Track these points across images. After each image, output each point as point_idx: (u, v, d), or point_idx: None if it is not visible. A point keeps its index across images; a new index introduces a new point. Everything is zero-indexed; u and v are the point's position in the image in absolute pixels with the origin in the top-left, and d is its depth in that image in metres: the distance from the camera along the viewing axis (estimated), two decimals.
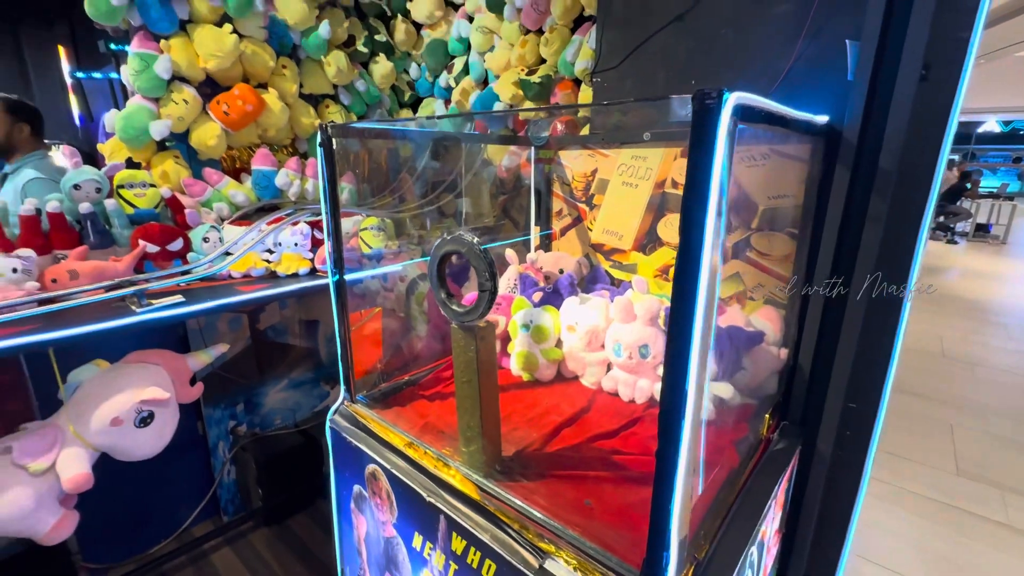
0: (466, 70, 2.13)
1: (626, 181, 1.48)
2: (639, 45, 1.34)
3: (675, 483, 0.61)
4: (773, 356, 1.14)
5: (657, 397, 1.14)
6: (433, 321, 1.43)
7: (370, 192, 1.86)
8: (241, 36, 1.79)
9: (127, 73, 1.66)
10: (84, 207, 1.38)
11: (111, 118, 1.66)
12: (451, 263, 0.84)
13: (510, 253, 1.55)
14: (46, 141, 2.02)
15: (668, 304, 1.20)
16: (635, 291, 1.34)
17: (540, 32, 1.84)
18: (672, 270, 1.42)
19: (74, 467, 1.09)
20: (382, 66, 2.25)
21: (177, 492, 1.94)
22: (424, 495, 0.92)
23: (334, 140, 0.99)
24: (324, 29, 1.96)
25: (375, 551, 1.13)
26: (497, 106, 1.92)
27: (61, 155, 1.80)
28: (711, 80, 1.25)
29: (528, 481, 0.89)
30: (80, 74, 5.34)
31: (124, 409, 1.16)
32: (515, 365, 1.29)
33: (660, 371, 1.17)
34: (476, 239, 0.76)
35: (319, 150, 0.99)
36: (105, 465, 1.20)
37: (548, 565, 0.75)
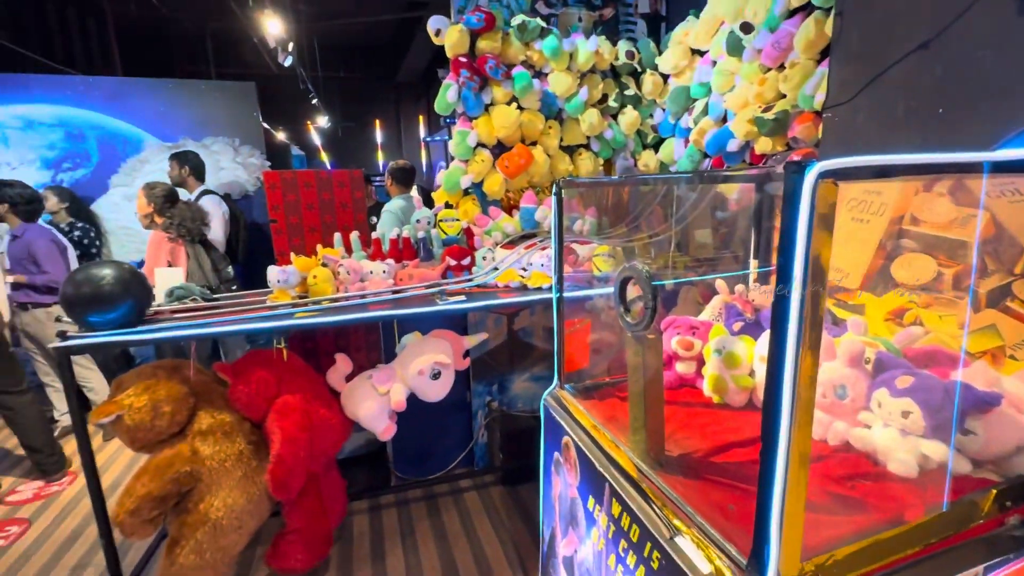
0: (705, 111, 2.27)
1: (856, 217, 1.40)
2: (875, 77, 1.29)
3: (773, 484, 0.71)
4: (1018, 426, 0.96)
5: (852, 442, 1.11)
6: None
7: (608, 224, 2.20)
8: (522, 109, 2.41)
9: (451, 144, 2.46)
10: (420, 234, 2.14)
11: (440, 176, 2.49)
12: (630, 286, 1.09)
13: (720, 284, 1.64)
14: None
15: (880, 347, 1.15)
16: (850, 332, 1.28)
17: (781, 68, 1.85)
18: (906, 315, 1.30)
19: (399, 395, 1.76)
20: (629, 116, 2.60)
21: (449, 440, 2.66)
22: (598, 466, 1.18)
23: (563, 192, 1.36)
24: (583, 94, 2.43)
25: (564, 508, 1.43)
26: (731, 143, 2.01)
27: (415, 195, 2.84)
28: (964, 111, 1.12)
29: (682, 476, 1.05)
30: (427, 138, 7.62)
31: (426, 365, 1.79)
32: (706, 386, 1.41)
33: (860, 416, 1.12)
34: (645, 267, 0.99)
35: (553, 199, 1.37)
36: (412, 407, 1.85)
37: (678, 539, 0.91)
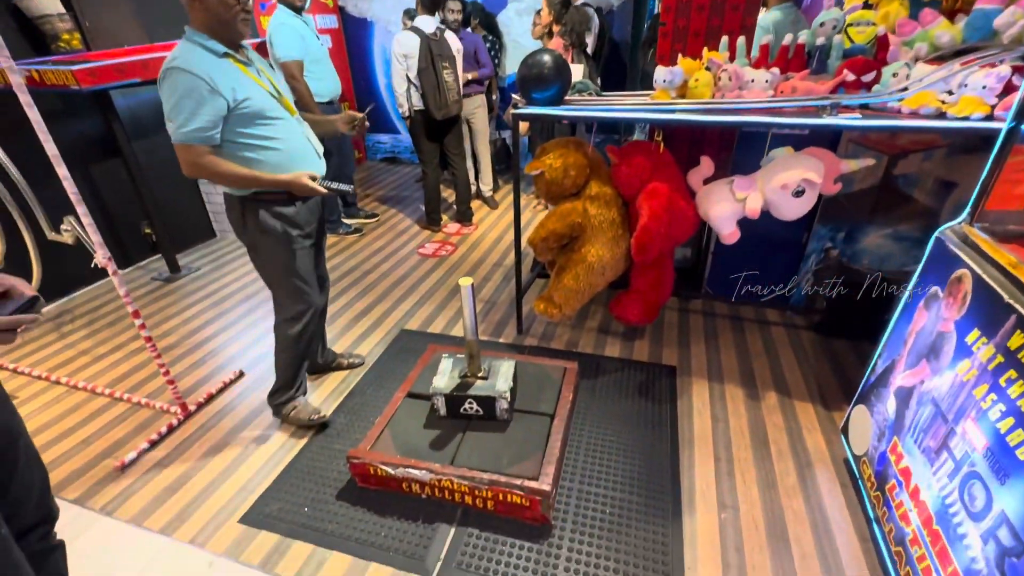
0: None
1: None
2: None
3: None
4: None
5: None
6: None
7: None
8: None
9: None
10: (820, 40, 1.92)
11: None
12: None
13: None
14: None
15: None
16: None
17: None
18: None
19: (755, 204, 1.85)
20: None
21: (769, 274, 2.66)
22: (1006, 298, 1.08)
23: None
24: None
25: (922, 341, 1.39)
26: None
27: None
28: None
29: None
30: None
31: (792, 180, 1.79)
32: None
33: None
34: None
35: None
36: (743, 232, 1.91)
37: None
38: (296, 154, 1.62)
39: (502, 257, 3.49)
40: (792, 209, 1.85)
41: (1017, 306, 1.05)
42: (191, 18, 1.45)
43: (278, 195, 1.63)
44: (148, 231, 3.38)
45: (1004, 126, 1.29)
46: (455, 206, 3.98)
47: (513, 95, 2.19)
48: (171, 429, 2.03)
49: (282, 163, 1.58)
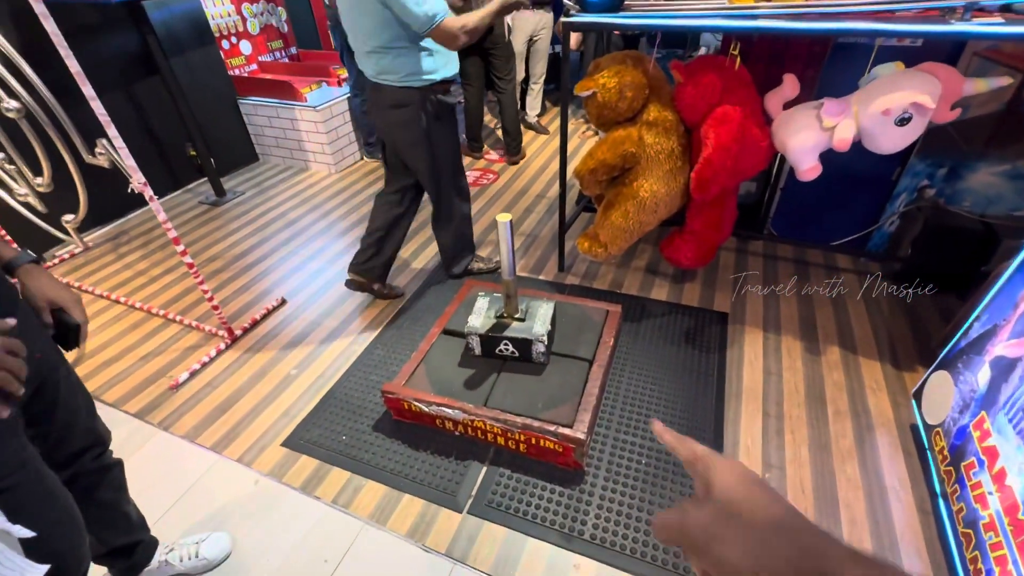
0: None
1: None
2: None
3: None
4: None
5: None
6: None
7: None
8: None
9: None
10: None
11: None
12: None
13: None
14: None
15: None
16: None
17: None
18: None
19: (846, 133, 1.57)
20: None
21: (847, 214, 2.36)
22: None
23: None
24: None
25: None
26: None
27: None
28: None
29: None
30: None
31: (896, 105, 1.48)
32: None
33: None
34: None
35: None
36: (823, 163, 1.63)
37: None
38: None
39: (546, 188, 3.29)
40: (893, 140, 1.56)
41: None
42: None
43: (444, 85, 1.90)
44: (193, 153, 3.38)
45: None
46: (501, 136, 3.72)
47: (566, 0, 1.90)
48: (219, 352, 2.11)
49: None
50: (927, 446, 1.50)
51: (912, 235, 2.19)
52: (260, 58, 3.98)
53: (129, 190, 1.72)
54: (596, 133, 3.67)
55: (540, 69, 3.84)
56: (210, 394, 1.93)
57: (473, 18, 1.70)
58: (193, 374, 2.01)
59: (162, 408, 1.89)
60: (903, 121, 1.51)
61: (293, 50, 4.24)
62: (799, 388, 1.81)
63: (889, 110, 1.50)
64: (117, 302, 2.46)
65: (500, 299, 1.80)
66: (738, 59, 1.71)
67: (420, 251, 2.70)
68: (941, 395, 1.48)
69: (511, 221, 1.50)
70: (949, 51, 1.89)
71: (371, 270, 2.22)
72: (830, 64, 2.05)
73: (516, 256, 2.62)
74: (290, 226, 3.02)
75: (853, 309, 2.16)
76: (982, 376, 1.30)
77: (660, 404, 1.79)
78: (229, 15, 3.65)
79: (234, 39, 3.75)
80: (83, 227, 2.86)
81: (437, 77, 1.83)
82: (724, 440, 1.66)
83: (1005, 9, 1.47)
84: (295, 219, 3.09)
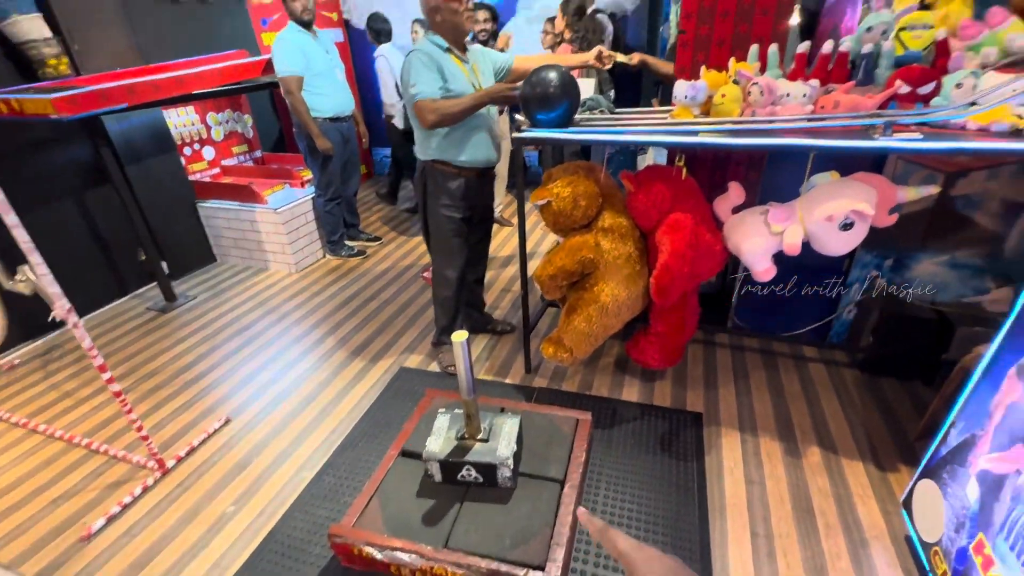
0: None
1: None
2: None
3: None
4: None
5: None
6: None
7: None
8: None
9: None
10: (866, 48, 1.67)
11: None
12: None
13: None
14: None
15: None
16: None
17: None
18: None
19: (794, 239, 1.60)
20: None
21: (806, 305, 2.39)
22: None
23: None
24: None
25: (1012, 419, 1.13)
26: None
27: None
28: None
29: None
30: None
31: (839, 211, 1.53)
32: None
33: None
34: None
35: None
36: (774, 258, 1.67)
37: None
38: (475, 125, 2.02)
39: (510, 282, 3.27)
40: (839, 244, 1.60)
41: None
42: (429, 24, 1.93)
43: (447, 167, 2.06)
44: (144, 258, 3.25)
45: None
46: None
47: (516, 115, 1.98)
48: (145, 490, 1.86)
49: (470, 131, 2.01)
50: (928, 568, 1.38)
51: (871, 324, 2.22)
52: (224, 162, 4.01)
53: (50, 319, 1.58)
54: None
55: (502, 167, 3.99)
56: (127, 545, 1.67)
57: (449, 104, 1.86)
58: (111, 520, 1.75)
59: (68, 566, 1.61)
60: (846, 226, 1.56)
61: (258, 153, 4.32)
62: (784, 499, 1.70)
63: (832, 216, 1.55)
64: (35, 431, 2.19)
65: (461, 417, 1.67)
66: (684, 169, 1.77)
67: (381, 354, 2.57)
68: (932, 508, 1.39)
69: (467, 340, 1.42)
70: (876, 158, 2.02)
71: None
72: (770, 167, 2.17)
73: (480, 358, 2.52)
74: (242, 332, 2.86)
75: (826, 402, 2.11)
76: (971, 491, 1.23)
77: (640, 525, 1.63)
78: (193, 124, 3.72)
79: (197, 146, 3.79)
80: (11, 343, 2.63)
81: (435, 157, 2.05)
82: (712, 566, 1.50)
83: (922, 124, 1.58)
84: (248, 324, 2.94)
